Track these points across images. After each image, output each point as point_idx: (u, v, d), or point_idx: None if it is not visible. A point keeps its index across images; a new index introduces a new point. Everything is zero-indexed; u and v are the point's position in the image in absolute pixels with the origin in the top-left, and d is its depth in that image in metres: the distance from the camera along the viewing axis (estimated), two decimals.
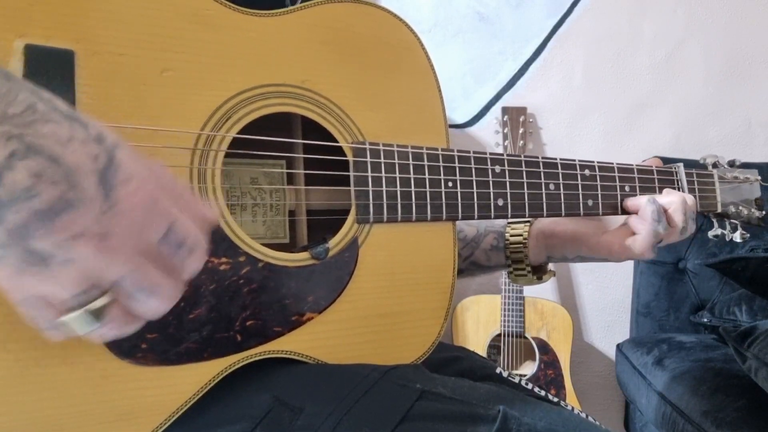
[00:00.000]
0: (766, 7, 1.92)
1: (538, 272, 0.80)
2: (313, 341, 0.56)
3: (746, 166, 0.92)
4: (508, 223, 0.81)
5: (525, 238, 0.79)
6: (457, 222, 0.83)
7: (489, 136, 1.87)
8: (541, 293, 1.78)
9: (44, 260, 0.32)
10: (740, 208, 0.86)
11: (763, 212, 0.88)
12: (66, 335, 0.36)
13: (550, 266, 0.82)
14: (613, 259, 0.74)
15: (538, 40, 1.88)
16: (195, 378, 0.50)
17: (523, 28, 1.88)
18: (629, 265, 1.86)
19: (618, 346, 1.76)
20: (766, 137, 1.95)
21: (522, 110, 1.79)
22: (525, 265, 0.79)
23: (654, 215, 0.70)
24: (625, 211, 0.75)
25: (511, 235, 0.80)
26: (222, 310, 0.51)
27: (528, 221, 0.80)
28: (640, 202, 0.72)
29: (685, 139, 1.93)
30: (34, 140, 0.32)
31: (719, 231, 0.85)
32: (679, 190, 0.79)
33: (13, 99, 0.32)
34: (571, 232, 0.77)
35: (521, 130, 1.77)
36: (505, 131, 1.78)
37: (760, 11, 1.92)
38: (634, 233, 0.72)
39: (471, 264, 0.83)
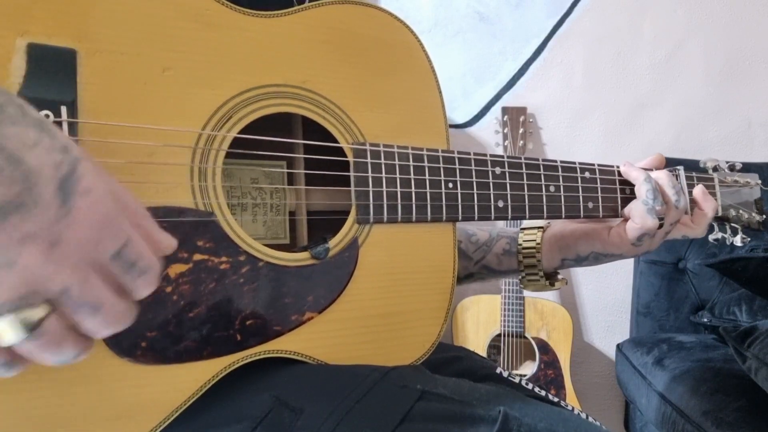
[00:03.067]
0: (766, 7, 1.92)
1: (550, 279, 0.81)
2: (313, 341, 0.56)
3: (746, 166, 0.92)
4: (522, 228, 0.82)
5: (538, 243, 0.79)
6: (470, 226, 0.84)
7: (489, 136, 1.87)
8: (541, 293, 1.78)
9: None
10: (741, 211, 0.86)
11: (764, 216, 0.88)
12: None
13: (560, 275, 0.82)
14: (624, 248, 0.75)
15: (538, 40, 1.88)
16: (194, 377, 0.50)
17: (523, 28, 1.88)
18: (629, 265, 1.86)
19: (618, 346, 1.76)
20: (766, 137, 1.96)
21: (522, 110, 1.79)
22: (538, 270, 0.79)
23: (650, 193, 0.72)
24: (623, 207, 0.75)
25: (525, 240, 0.80)
26: (222, 309, 0.51)
27: (541, 227, 0.80)
28: (639, 176, 0.74)
29: (685, 139, 1.93)
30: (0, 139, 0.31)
31: (720, 235, 0.86)
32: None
33: None
34: (583, 228, 0.77)
35: (521, 130, 1.77)
36: (505, 131, 1.78)
37: (760, 11, 1.92)
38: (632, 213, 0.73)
39: (482, 268, 0.83)
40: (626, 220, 0.74)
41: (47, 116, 0.45)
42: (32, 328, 0.33)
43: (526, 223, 0.83)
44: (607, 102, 1.91)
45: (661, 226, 0.73)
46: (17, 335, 0.33)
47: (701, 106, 1.93)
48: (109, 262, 0.35)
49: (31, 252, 0.32)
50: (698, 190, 0.79)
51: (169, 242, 0.39)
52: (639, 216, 0.72)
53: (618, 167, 0.76)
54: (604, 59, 1.90)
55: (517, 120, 1.78)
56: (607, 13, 1.88)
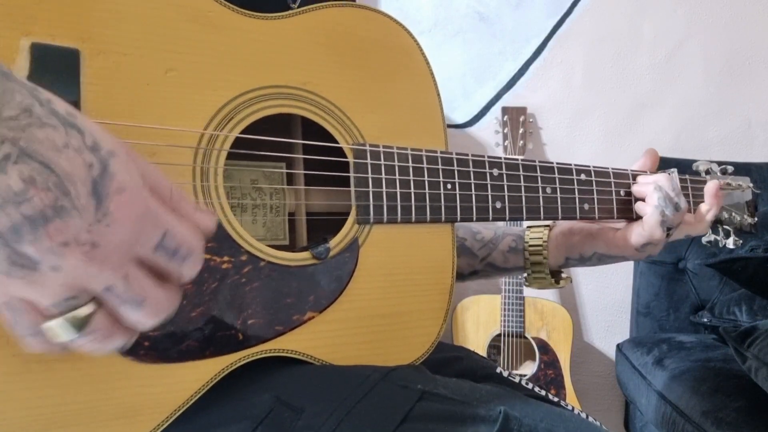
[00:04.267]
0: (766, 7, 1.92)
1: (555, 277, 0.81)
2: (314, 340, 0.57)
3: (746, 166, 0.92)
4: (528, 226, 0.82)
5: (545, 241, 0.79)
6: (474, 225, 0.84)
7: (489, 136, 1.87)
8: (541, 293, 1.78)
9: (32, 265, 0.32)
10: (733, 214, 0.87)
11: (755, 219, 0.89)
12: (45, 345, 0.35)
13: (564, 273, 0.83)
14: (628, 251, 0.75)
15: (538, 40, 1.88)
16: (196, 376, 0.50)
17: (523, 28, 1.88)
18: (629, 265, 1.86)
19: (618, 346, 1.76)
20: (766, 137, 1.96)
21: (522, 110, 1.79)
22: (544, 267, 0.80)
23: (661, 201, 0.72)
24: (620, 214, 0.76)
25: (531, 238, 0.81)
26: (224, 308, 0.52)
27: (548, 225, 0.81)
28: (647, 188, 0.74)
29: (685, 139, 1.93)
30: (29, 145, 0.31)
31: (712, 237, 0.86)
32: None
33: (9, 100, 0.31)
34: (588, 229, 0.78)
35: (521, 130, 1.77)
36: (505, 131, 1.78)
37: (760, 11, 1.92)
38: (642, 223, 0.74)
39: (487, 265, 0.84)
40: (633, 224, 0.75)
41: (76, 103, 0.46)
42: (81, 327, 0.34)
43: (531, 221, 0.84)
44: (607, 102, 1.91)
45: (667, 236, 0.73)
46: (69, 335, 0.34)
47: (701, 106, 1.93)
48: (152, 254, 0.36)
49: (75, 255, 0.33)
50: (712, 186, 0.80)
51: (208, 221, 0.40)
52: (649, 226, 0.73)
53: (612, 169, 0.77)
54: (604, 59, 1.90)
55: (517, 120, 1.78)
56: (607, 13, 1.89)
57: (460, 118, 1.90)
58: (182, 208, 0.38)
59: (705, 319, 1.67)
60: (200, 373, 0.51)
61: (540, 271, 0.80)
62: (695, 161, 0.90)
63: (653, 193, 0.73)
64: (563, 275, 0.81)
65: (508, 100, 1.88)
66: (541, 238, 0.80)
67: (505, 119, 1.78)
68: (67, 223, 0.32)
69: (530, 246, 0.80)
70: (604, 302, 1.95)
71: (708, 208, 0.79)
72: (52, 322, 0.34)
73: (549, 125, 1.90)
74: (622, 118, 1.91)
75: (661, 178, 0.75)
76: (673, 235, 0.76)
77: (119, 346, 0.37)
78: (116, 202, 0.34)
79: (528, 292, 1.71)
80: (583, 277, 1.94)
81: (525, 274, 0.82)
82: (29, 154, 0.31)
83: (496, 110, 1.87)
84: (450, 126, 1.88)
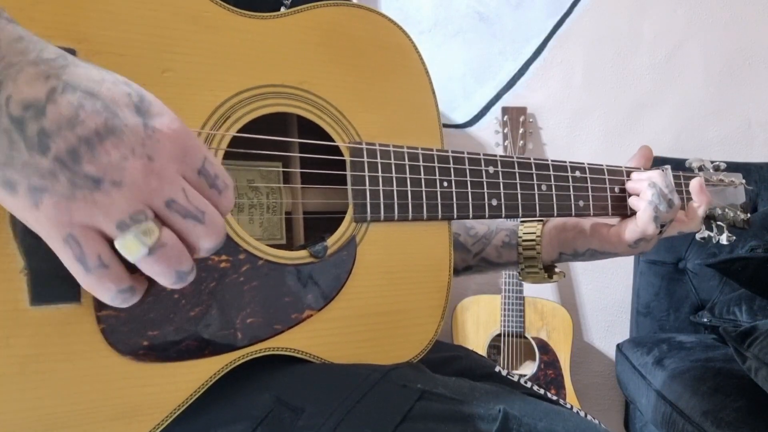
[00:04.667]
0: (766, 7, 1.92)
1: (549, 271, 0.81)
2: (313, 339, 0.57)
3: (746, 165, 0.93)
4: (522, 221, 0.82)
5: (538, 236, 0.80)
6: (468, 221, 0.84)
7: (489, 136, 1.87)
8: (541, 293, 1.78)
9: (94, 183, 0.34)
10: (726, 210, 0.87)
11: (748, 215, 0.89)
12: (113, 280, 0.36)
13: (558, 268, 0.83)
14: (621, 248, 0.76)
15: (538, 40, 1.88)
16: (195, 375, 0.50)
17: (523, 28, 1.88)
18: (629, 265, 1.86)
19: (618, 346, 1.76)
20: (766, 137, 1.96)
21: (522, 110, 1.79)
22: (537, 262, 0.80)
23: (655, 197, 0.72)
24: (615, 211, 0.76)
25: (525, 233, 0.81)
26: (222, 307, 0.52)
27: (541, 220, 0.81)
28: (642, 185, 0.75)
29: (685, 139, 1.93)
30: (71, 79, 0.34)
31: (706, 233, 0.87)
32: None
33: (46, 46, 0.35)
34: (582, 225, 0.78)
35: (521, 130, 1.77)
36: (505, 131, 1.78)
37: (760, 11, 1.92)
38: (635, 219, 0.74)
39: (481, 260, 0.84)
40: (627, 220, 0.75)
41: (73, 53, 0.47)
42: (152, 240, 0.35)
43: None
44: (607, 102, 1.91)
45: (660, 232, 0.73)
46: (142, 248, 0.35)
47: (701, 106, 1.93)
48: (196, 177, 0.37)
49: (134, 168, 0.34)
50: (696, 183, 0.81)
51: (230, 198, 0.41)
52: (643, 222, 0.73)
53: (606, 166, 0.77)
54: (604, 59, 1.90)
55: (517, 120, 1.78)
56: (607, 13, 1.89)
57: (460, 118, 1.90)
58: (212, 167, 0.40)
59: (705, 319, 1.67)
60: (199, 373, 0.51)
61: (533, 266, 0.80)
62: (686, 160, 0.91)
63: (647, 189, 0.73)
64: (556, 270, 0.81)
65: (508, 100, 1.88)
66: (534, 233, 0.80)
67: (505, 119, 1.78)
68: (121, 139, 0.34)
69: (523, 241, 0.81)
70: (604, 302, 1.95)
71: (698, 205, 0.80)
72: (124, 237, 0.35)
73: (549, 125, 1.90)
74: (622, 118, 1.91)
75: (655, 174, 0.75)
76: (666, 231, 0.76)
77: (186, 271, 0.38)
78: (159, 122, 0.36)
79: (528, 292, 1.70)
80: (583, 277, 1.94)
81: (518, 269, 0.82)
82: (73, 86, 0.34)
83: (496, 110, 1.87)
84: (450, 126, 1.88)
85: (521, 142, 1.76)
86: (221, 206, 0.39)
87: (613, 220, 0.78)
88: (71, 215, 0.34)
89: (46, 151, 0.33)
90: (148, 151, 0.35)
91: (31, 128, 0.33)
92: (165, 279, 0.38)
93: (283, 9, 0.63)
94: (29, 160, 0.33)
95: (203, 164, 0.38)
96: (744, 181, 0.91)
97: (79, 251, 0.35)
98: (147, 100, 0.36)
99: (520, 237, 0.81)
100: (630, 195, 0.77)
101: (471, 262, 0.84)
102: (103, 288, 0.37)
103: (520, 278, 0.82)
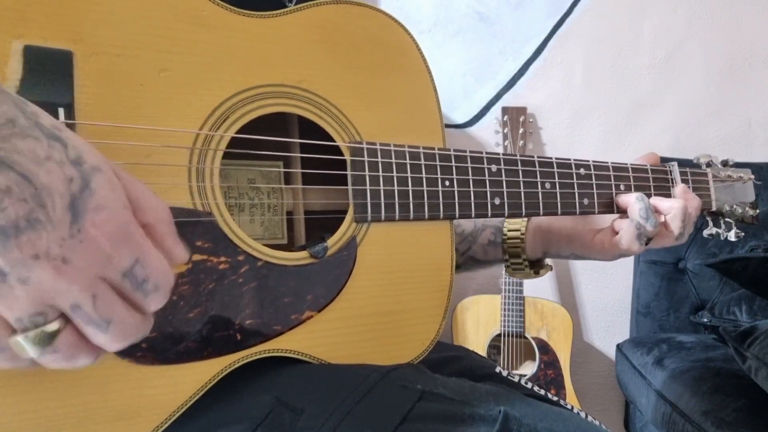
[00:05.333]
0: (766, 7, 1.92)
1: (535, 267, 0.81)
2: (313, 340, 0.57)
3: (746, 165, 0.92)
4: (507, 218, 0.82)
5: (522, 233, 0.79)
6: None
7: (489, 136, 1.87)
8: (541, 293, 1.78)
9: (1, 275, 0.32)
10: (734, 206, 0.86)
11: (757, 210, 0.88)
12: (10, 360, 0.34)
13: (548, 261, 0.82)
14: (605, 257, 0.75)
15: (538, 40, 1.88)
16: (195, 377, 0.50)
17: (523, 28, 1.88)
18: (629, 265, 1.86)
19: (618, 346, 1.76)
20: (766, 137, 1.96)
21: (522, 110, 1.79)
22: (522, 259, 0.79)
23: (642, 212, 0.71)
24: (619, 209, 0.75)
25: (509, 230, 0.80)
26: (221, 309, 0.51)
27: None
28: (629, 199, 0.73)
29: (685, 139, 1.93)
30: (9, 155, 0.31)
31: (714, 230, 0.86)
32: (673, 188, 0.80)
33: None
34: (566, 230, 0.77)
35: (521, 130, 1.77)
36: (505, 131, 1.78)
37: (760, 11, 1.92)
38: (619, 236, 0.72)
39: (468, 259, 0.84)
40: (611, 231, 0.74)
41: (70, 106, 0.45)
42: (46, 344, 0.34)
43: None
44: (607, 102, 1.91)
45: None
46: (33, 351, 0.33)
47: (701, 106, 1.93)
48: (120, 279, 0.35)
49: (44, 268, 0.32)
50: (679, 189, 0.78)
51: (181, 254, 0.39)
52: (627, 240, 0.71)
53: (611, 163, 0.76)
54: (604, 59, 1.90)
55: (517, 120, 1.77)
56: (607, 13, 1.88)
57: (460, 118, 1.89)
58: (162, 231, 0.38)
59: (705, 319, 1.67)
60: (199, 374, 0.50)
61: (519, 263, 0.80)
62: (690, 161, 0.90)
63: (635, 203, 0.72)
64: (545, 262, 0.81)
65: (508, 100, 1.88)
66: (519, 230, 0.80)
67: (505, 119, 1.78)
68: (39, 236, 0.32)
69: (508, 239, 0.80)
70: (604, 302, 1.95)
71: (675, 223, 0.73)
72: (17, 337, 0.33)
73: (549, 125, 1.90)
74: (622, 118, 1.91)
75: (676, 205, 0.72)
76: (650, 244, 0.74)
77: (84, 365, 0.36)
78: (92, 219, 0.33)
79: (528, 292, 1.70)
80: (583, 277, 1.94)
81: (505, 266, 0.82)
82: (8, 164, 0.31)
83: (496, 110, 1.87)
84: (450, 126, 1.88)
85: (521, 142, 1.76)
86: (147, 308, 0.37)
87: (602, 223, 0.77)
88: None
89: None
90: (65, 252, 0.33)
91: None
92: (58, 366, 0.36)
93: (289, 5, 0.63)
94: None
95: (132, 267, 0.35)
96: (753, 176, 0.90)
97: None
98: (90, 189, 0.33)
99: (505, 234, 0.81)
100: (620, 208, 0.75)
101: (459, 260, 0.83)
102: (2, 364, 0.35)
103: (507, 274, 0.82)
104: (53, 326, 0.34)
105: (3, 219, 0.31)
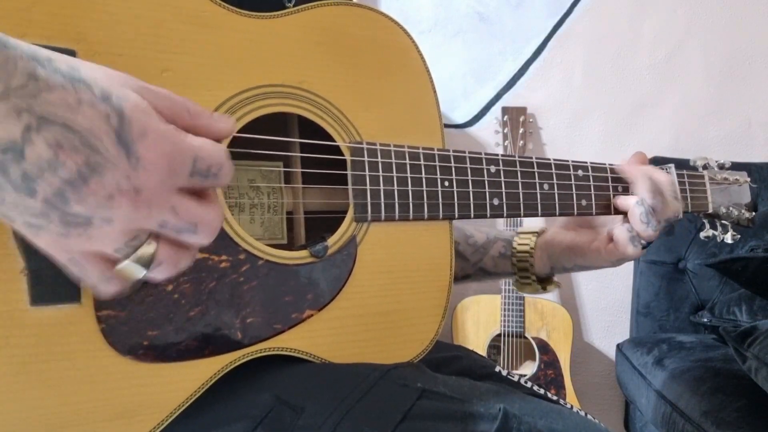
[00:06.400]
0: (766, 7, 1.92)
1: (544, 282, 0.81)
2: (313, 338, 0.57)
3: (746, 165, 0.92)
4: (518, 232, 0.82)
5: (532, 248, 0.80)
6: (468, 227, 0.84)
7: (489, 136, 1.87)
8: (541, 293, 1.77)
9: (86, 221, 0.34)
10: (731, 209, 0.86)
11: (753, 213, 0.88)
12: (120, 287, 0.37)
13: (555, 278, 0.83)
14: (606, 264, 0.76)
15: (538, 40, 1.88)
16: (196, 375, 0.50)
17: (523, 28, 1.88)
18: (629, 265, 1.86)
19: (618, 346, 1.76)
20: (766, 137, 1.96)
21: (522, 110, 1.79)
22: (530, 274, 0.80)
23: (642, 217, 0.71)
24: (617, 211, 0.75)
25: (519, 244, 0.81)
26: (222, 307, 0.52)
27: (536, 232, 0.81)
28: (629, 203, 0.73)
29: (685, 139, 1.93)
30: (44, 110, 0.32)
31: (711, 232, 0.86)
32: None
33: (12, 69, 0.31)
34: (567, 242, 0.78)
35: (521, 130, 1.77)
36: (505, 131, 1.78)
37: (760, 11, 1.92)
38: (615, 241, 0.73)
39: (479, 270, 0.84)
40: (608, 239, 0.74)
41: (73, 53, 0.46)
42: (149, 263, 0.37)
43: (522, 227, 0.83)
44: (607, 102, 1.91)
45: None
46: (140, 272, 0.37)
47: (701, 106, 1.93)
48: (188, 180, 0.37)
49: (122, 205, 0.34)
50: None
51: (228, 126, 0.41)
52: (622, 244, 0.72)
53: (609, 165, 0.76)
54: (604, 59, 1.90)
55: (517, 120, 1.78)
56: (607, 13, 1.89)
57: (460, 118, 1.90)
58: (200, 123, 0.40)
59: (705, 319, 1.67)
60: (199, 373, 0.51)
61: (526, 278, 0.80)
62: (688, 161, 0.90)
63: (635, 207, 0.71)
64: (553, 279, 0.81)
65: (508, 100, 1.88)
66: (528, 245, 0.80)
67: (505, 119, 1.78)
68: (105, 177, 0.33)
69: (518, 252, 0.81)
70: (604, 302, 1.95)
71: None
72: (122, 264, 0.36)
73: (549, 125, 1.90)
74: (622, 118, 1.91)
75: (649, 183, 0.72)
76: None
77: (185, 267, 0.40)
78: (143, 145, 0.35)
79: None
80: (583, 277, 1.94)
81: (513, 280, 0.82)
82: (48, 120, 0.32)
83: (496, 110, 1.87)
84: (450, 126, 1.88)
85: (521, 142, 1.76)
86: (222, 183, 0.40)
87: (602, 228, 0.77)
88: (69, 247, 0.35)
89: (33, 194, 0.32)
90: (134, 183, 0.34)
91: (14, 172, 0.32)
92: (167, 276, 0.39)
93: (288, 6, 0.63)
94: (19, 201, 0.33)
95: (194, 165, 0.37)
96: (749, 179, 0.90)
97: (82, 271, 0.36)
98: (127, 119, 0.34)
99: (515, 248, 0.81)
100: (619, 210, 0.74)
101: (470, 271, 0.84)
102: (111, 291, 0.38)
103: (515, 288, 0.82)
104: (150, 247, 0.36)
105: (66, 172, 0.32)
